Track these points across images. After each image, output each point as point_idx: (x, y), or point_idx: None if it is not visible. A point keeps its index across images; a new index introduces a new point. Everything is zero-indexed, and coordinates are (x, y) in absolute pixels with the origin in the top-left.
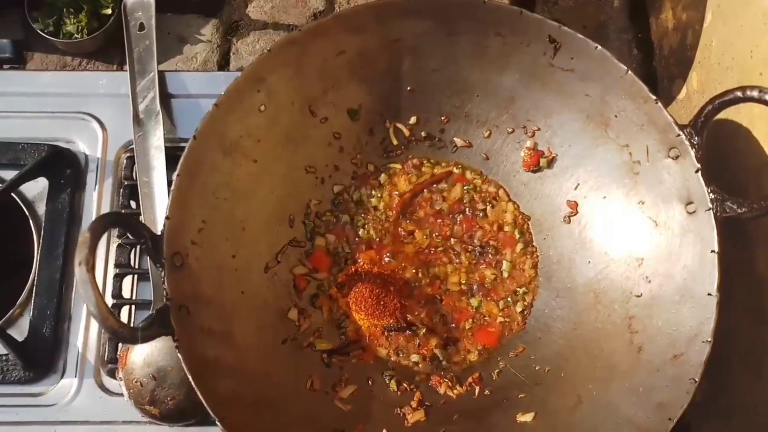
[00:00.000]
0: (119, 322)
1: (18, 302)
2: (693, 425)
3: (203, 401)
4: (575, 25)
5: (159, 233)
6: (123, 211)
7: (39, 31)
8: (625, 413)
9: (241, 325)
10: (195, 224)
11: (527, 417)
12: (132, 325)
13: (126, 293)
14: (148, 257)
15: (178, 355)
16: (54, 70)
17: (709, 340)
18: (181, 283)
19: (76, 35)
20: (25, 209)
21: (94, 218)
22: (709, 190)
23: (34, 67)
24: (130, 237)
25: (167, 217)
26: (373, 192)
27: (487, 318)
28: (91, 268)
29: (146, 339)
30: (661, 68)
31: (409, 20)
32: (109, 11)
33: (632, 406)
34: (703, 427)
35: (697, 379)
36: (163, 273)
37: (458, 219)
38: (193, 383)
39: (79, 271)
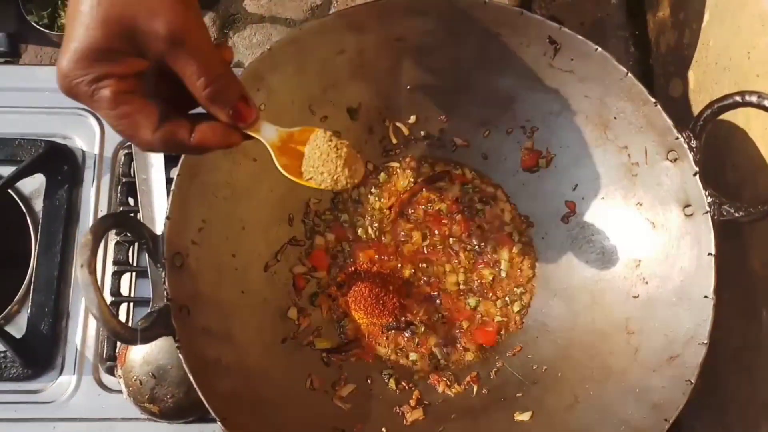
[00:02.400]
0: (121, 324)
1: (16, 299)
2: (684, 422)
3: (204, 401)
4: (573, 21)
5: (159, 233)
6: (121, 208)
7: (33, 24)
8: (622, 413)
9: (241, 324)
10: (195, 224)
11: (524, 416)
12: (131, 322)
13: (124, 291)
14: (147, 256)
15: (179, 355)
16: (49, 62)
17: (705, 342)
18: (181, 284)
19: None
20: (22, 206)
21: (91, 215)
22: (706, 194)
23: (29, 60)
24: (129, 235)
25: (167, 217)
26: (373, 191)
27: (484, 317)
28: (93, 270)
29: (147, 340)
30: (658, 66)
31: (410, 19)
32: None
33: (628, 407)
34: (694, 424)
35: (692, 381)
36: (163, 273)
37: (457, 218)
38: (194, 383)
39: (81, 274)
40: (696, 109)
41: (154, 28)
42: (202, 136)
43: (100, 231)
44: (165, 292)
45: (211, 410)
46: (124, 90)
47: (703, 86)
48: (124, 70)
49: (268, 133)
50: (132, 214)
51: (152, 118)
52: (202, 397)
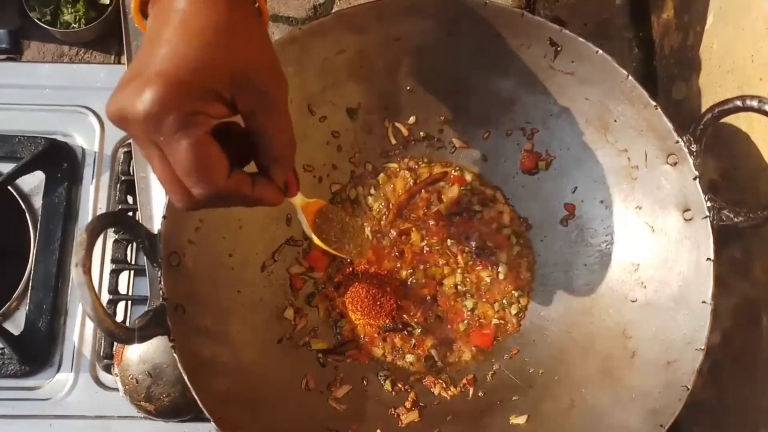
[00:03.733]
0: (116, 323)
1: (14, 296)
2: (683, 427)
3: (198, 401)
4: (576, 22)
5: (156, 232)
6: (120, 206)
7: (36, 20)
8: (618, 418)
9: (237, 324)
10: (192, 223)
11: (520, 419)
12: (128, 320)
13: (122, 289)
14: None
15: (174, 354)
16: (51, 59)
17: (703, 348)
18: (177, 283)
19: (73, 25)
20: (21, 203)
21: (90, 213)
22: (706, 198)
23: (31, 56)
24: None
25: (164, 216)
26: (371, 191)
27: (482, 320)
28: (87, 270)
29: (142, 339)
30: (661, 68)
31: (411, 20)
32: (107, 1)
33: (624, 412)
34: (693, 429)
35: (689, 387)
36: (159, 272)
37: (455, 220)
38: (188, 383)
39: (75, 273)
40: (699, 112)
41: (259, 85)
42: (262, 191)
43: (95, 230)
44: (160, 291)
45: (204, 409)
46: (210, 131)
47: (706, 89)
48: (216, 112)
49: (298, 200)
50: (130, 213)
51: (226, 164)
52: (195, 397)
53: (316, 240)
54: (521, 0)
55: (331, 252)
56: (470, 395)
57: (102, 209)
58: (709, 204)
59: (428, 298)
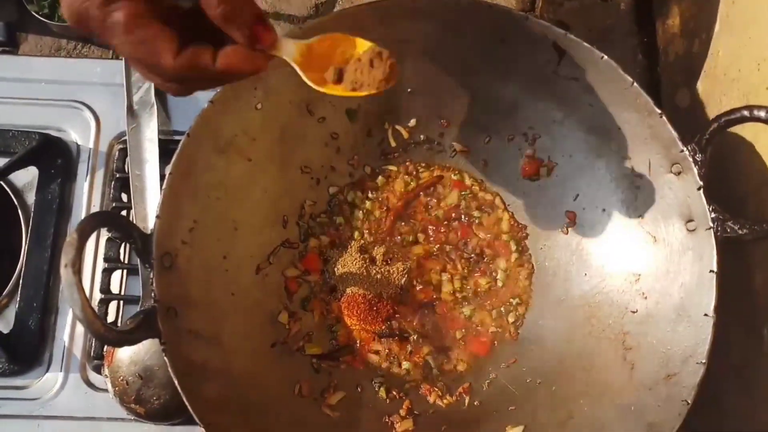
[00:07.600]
0: (105, 326)
1: (4, 292)
2: None
3: (188, 406)
4: (580, 27)
5: (149, 233)
6: (114, 204)
7: (33, 13)
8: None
9: (230, 328)
10: (186, 224)
11: (516, 430)
12: (120, 320)
13: (115, 288)
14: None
15: (165, 358)
16: (48, 53)
17: (704, 362)
18: (169, 285)
19: None
20: (14, 198)
21: (84, 210)
22: (710, 209)
23: (29, 50)
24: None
25: (158, 217)
26: (369, 194)
27: (479, 327)
28: (77, 271)
29: (132, 342)
30: (665, 75)
31: (413, 21)
32: None
33: (623, 425)
34: None
35: (689, 402)
36: (151, 274)
37: (454, 225)
38: (179, 387)
39: (65, 273)
40: (703, 120)
41: None
42: (227, 59)
43: (86, 230)
44: (152, 293)
45: (194, 415)
46: (137, 13)
47: (711, 97)
48: None
49: (289, 50)
50: (124, 211)
51: (172, 42)
52: (186, 402)
53: (315, 86)
54: (525, 3)
55: (349, 95)
56: (466, 404)
57: (96, 207)
58: (713, 215)
59: (425, 304)
